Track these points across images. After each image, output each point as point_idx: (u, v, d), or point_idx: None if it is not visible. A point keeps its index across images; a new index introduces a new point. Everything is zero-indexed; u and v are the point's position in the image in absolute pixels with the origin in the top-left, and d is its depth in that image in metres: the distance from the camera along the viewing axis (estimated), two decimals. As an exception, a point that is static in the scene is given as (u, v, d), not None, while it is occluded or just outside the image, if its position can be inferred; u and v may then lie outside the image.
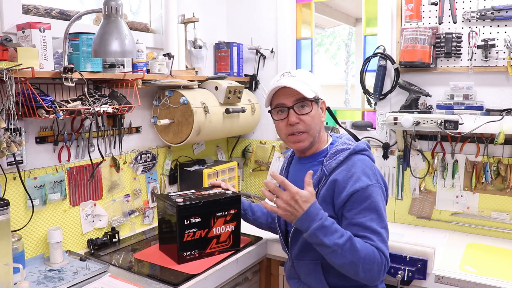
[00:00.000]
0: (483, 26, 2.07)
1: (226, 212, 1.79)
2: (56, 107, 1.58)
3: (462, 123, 1.98)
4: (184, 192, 1.86)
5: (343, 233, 1.34)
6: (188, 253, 1.73)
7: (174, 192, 1.92)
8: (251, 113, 2.60)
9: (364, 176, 1.44)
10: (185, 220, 1.70)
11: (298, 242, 1.56)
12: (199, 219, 1.72)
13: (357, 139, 1.63)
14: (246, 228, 1.96)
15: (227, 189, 1.90)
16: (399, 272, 1.72)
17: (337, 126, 2.41)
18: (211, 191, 1.88)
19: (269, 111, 1.63)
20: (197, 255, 1.75)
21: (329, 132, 1.71)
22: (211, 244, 1.78)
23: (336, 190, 1.46)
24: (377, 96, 2.33)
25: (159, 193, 2.31)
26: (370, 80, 2.39)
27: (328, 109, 1.71)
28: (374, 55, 2.31)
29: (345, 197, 1.43)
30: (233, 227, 1.83)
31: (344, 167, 1.47)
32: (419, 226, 2.32)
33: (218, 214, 1.77)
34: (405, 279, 1.72)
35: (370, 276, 1.37)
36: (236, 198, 1.83)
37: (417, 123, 2.04)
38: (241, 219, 1.89)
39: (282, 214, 1.38)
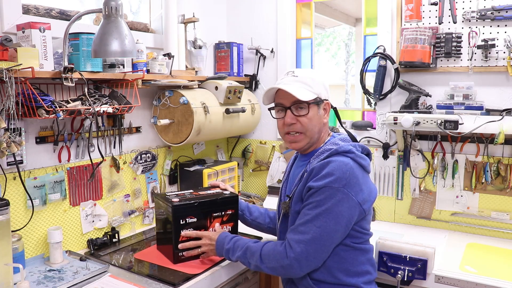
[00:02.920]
0: (483, 26, 2.07)
1: (223, 213, 1.79)
2: (56, 107, 1.58)
3: (462, 123, 1.98)
4: (182, 192, 1.86)
5: (243, 247, 1.56)
6: (184, 253, 1.73)
7: (171, 192, 1.91)
8: (251, 113, 2.60)
9: (329, 176, 1.42)
10: (181, 220, 1.69)
11: (285, 235, 1.58)
12: (195, 219, 1.72)
13: (354, 140, 1.62)
14: (246, 228, 1.96)
15: (226, 189, 1.90)
16: (399, 272, 1.72)
17: (338, 126, 2.42)
18: (209, 191, 1.88)
19: (269, 109, 1.64)
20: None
21: (330, 131, 1.70)
22: None
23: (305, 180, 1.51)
24: (377, 96, 2.33)
25: (158, 193, 2.31)
26: (370, 80, 2.39)
27: (335, 110, 1.70)
28: (374, 55, 2.31)
29: (306, 189, 1.47)
30: (230, 227, 1.82)
31: (319, 164, 1.47)
32: (419, 226, 2.32)
33: (214, 214, 1.76)
34: (405, 279, 1.72)
35: (279, 271, 1.48)
36: (234, 198, 1.82)
37: (417, 123, 2.04)
38: (239, 220, 1.89)
39: (208, 252, 1.69)
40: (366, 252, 1.55)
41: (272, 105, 1.62)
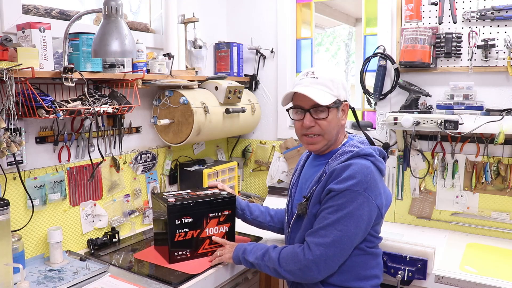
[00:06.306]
0: (483, 26, 2.07)
1: (220, 213, 1.78)
2: (56, 107, 1.58)
3: (462, 123, 1.98)
4: (179, 192, 1.86)
5: (262, 249, 1.57)
6: (180, 253, 1.72)
7: (169, 192, 1.89)
8: (251, 113, 2.60)
9: (351, 179, 1.40)
10: (176, 220, 1.69)
11: (296, 235, 1.58)
12: (191, 219, 1.72)
13: (371, 142, 1.59)
14: (246, 228, 1.96)
15: (224, 190, 1.90)
16: (399, 272, 1.72)
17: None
18: (207, 192, 1.87)
19: (287, 110, 1.62)
20: (188, 255, 1.74)
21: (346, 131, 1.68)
22: (203, 244, 1.77)
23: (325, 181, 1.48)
24: (377, 96, 2.33)
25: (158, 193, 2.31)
26: (370, 80, 2.39)
27: (353, 110, 1.66)
28: (374, 55, 2.31)
29: (325, 191, 1.45)
30: (227, 228, 1.81)
31: (340, 166, 1.46)
32: (419, 226, 2.32)
33: (211, 215, 1.76)
34: (405, 279, 1.72)
35: (297, 274, 1.46)
36: (231, 199, 1.82)
37: (417, 123, 2.04)
38: (240, 220, 1.89)
39: (224, 255, 1.69)
40: (376, 256, 1.56)
41: (290, 104, 1.59)
